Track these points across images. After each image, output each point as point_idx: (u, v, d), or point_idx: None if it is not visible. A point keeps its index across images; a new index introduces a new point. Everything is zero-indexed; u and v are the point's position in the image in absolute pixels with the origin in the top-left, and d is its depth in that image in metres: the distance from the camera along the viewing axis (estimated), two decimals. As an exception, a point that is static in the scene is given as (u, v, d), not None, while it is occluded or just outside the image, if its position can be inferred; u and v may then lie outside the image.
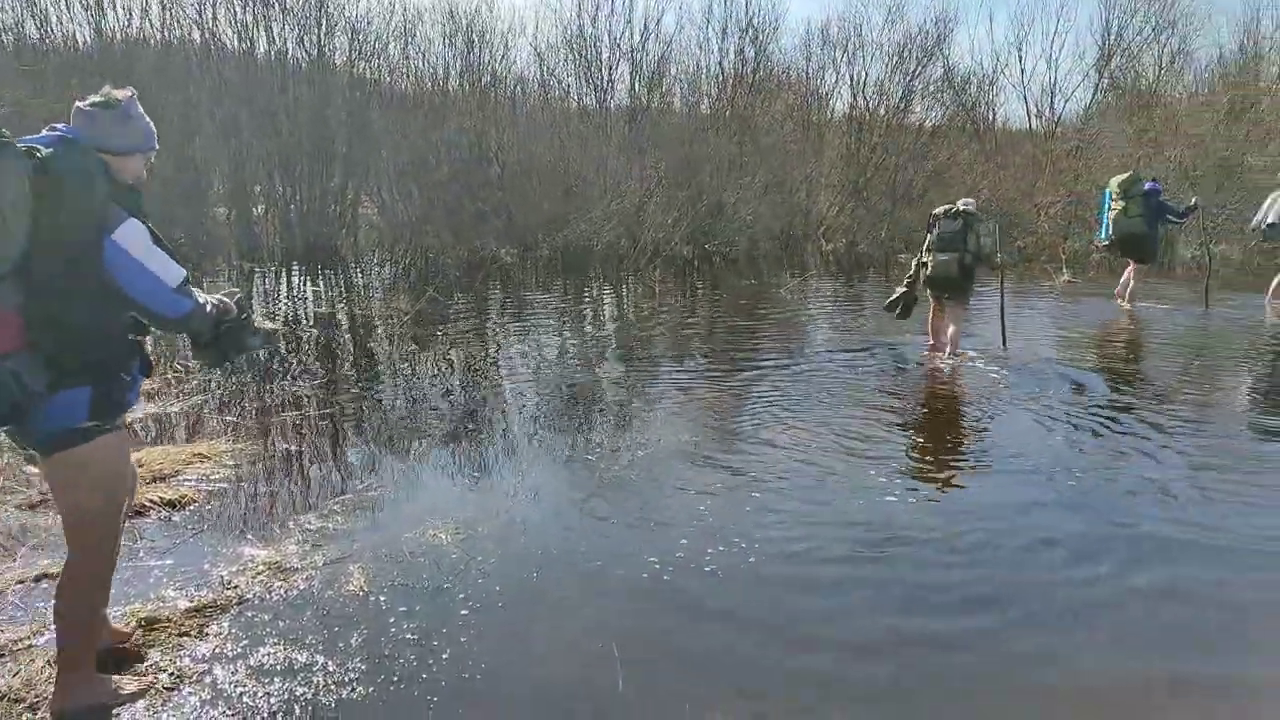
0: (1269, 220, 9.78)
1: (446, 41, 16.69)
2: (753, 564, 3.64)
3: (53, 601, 2.53)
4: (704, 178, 15.57)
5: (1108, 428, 5.59)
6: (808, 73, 19.34)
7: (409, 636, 3.04)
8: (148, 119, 2.54)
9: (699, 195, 15.08)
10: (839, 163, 18.03)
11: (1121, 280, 10.32)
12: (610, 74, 17.15)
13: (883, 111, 18.79)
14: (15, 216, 2.16)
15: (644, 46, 17.11)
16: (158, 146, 2.59)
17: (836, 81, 19.50)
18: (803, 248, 16.09)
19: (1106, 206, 10.02)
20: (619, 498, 4.37)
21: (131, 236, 2.32)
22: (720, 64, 18.10)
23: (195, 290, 2.48)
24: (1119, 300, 10.21)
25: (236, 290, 2.74)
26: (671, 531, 3.95)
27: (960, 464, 5.04)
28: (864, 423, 5.66)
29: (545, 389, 6.53)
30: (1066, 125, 20.10)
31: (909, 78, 18.93)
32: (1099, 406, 6.09)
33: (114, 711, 2.54)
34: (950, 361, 7.32)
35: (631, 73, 17.27)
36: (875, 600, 3.42)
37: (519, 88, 17.79)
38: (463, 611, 3.21)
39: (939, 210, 7.54)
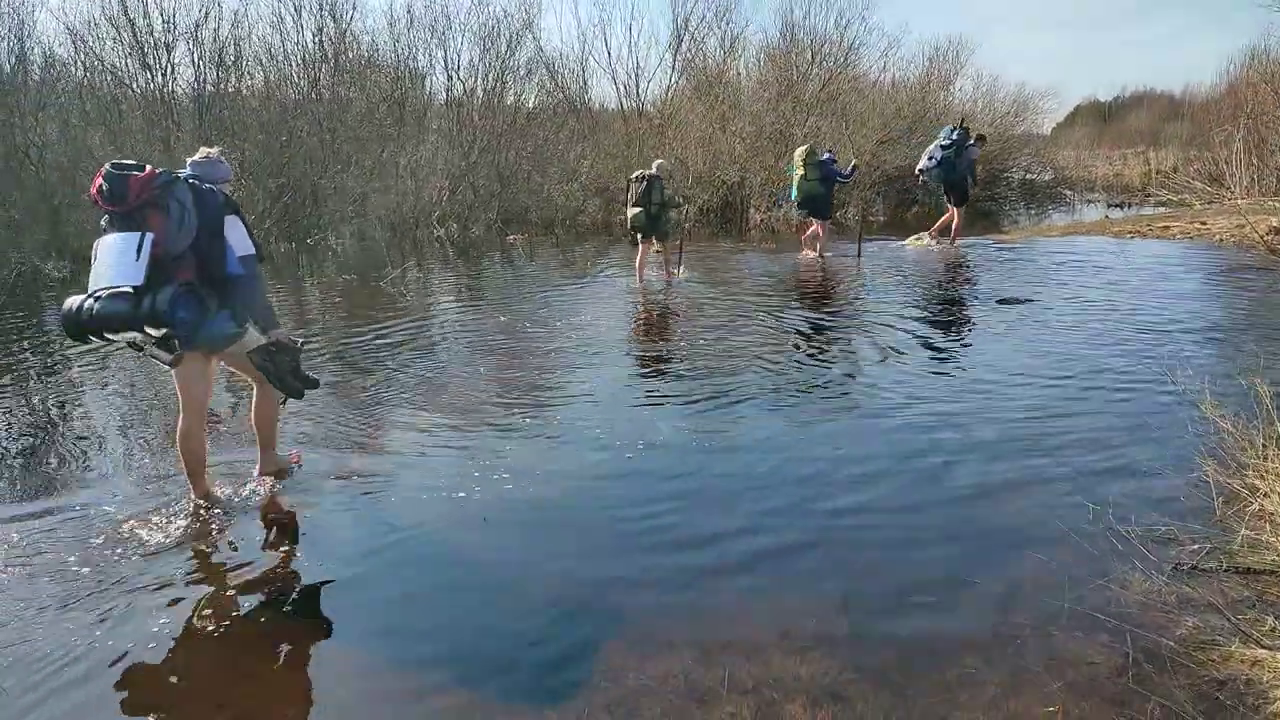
0: (921, 165, 12.58)
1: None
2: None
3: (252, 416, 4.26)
4: (296, 166, 14.41)
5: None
6: (397, 54, 18.74)
7: None
8: (226, 162, 3.98)
9: (290, 185, 13.92)
10: (443, 146, 17.73)
11: (808, 233, 12.28)
12: (169, 56, 15.13)
13: (480, 94, 18.85)
14: (191, 212, 3.62)
15: (206, 23, 15.31)
16: (231, 178, 4.03)
17: (430, 63, 19.19)
18: (414, 235, 15.61)
19: (793, 174, 11.87)
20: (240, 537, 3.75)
21: (231, 225, 3.74)
22: (299, 44, 16.84)
23: (257, 272, 3.83)
24: (806, 251, 12.21)
25: (300, 340, 4.10)
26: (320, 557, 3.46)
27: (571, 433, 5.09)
28: (487, 400, 5.51)
29: (131, 424, 5.48)
30: (652, 104, 21.76)
31: (501, 60, 19.18)
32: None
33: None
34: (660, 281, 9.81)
35: (196, 54, 15.39)
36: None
37: (51, 72, 15.06)
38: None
39: (635, 174, 9.74)
